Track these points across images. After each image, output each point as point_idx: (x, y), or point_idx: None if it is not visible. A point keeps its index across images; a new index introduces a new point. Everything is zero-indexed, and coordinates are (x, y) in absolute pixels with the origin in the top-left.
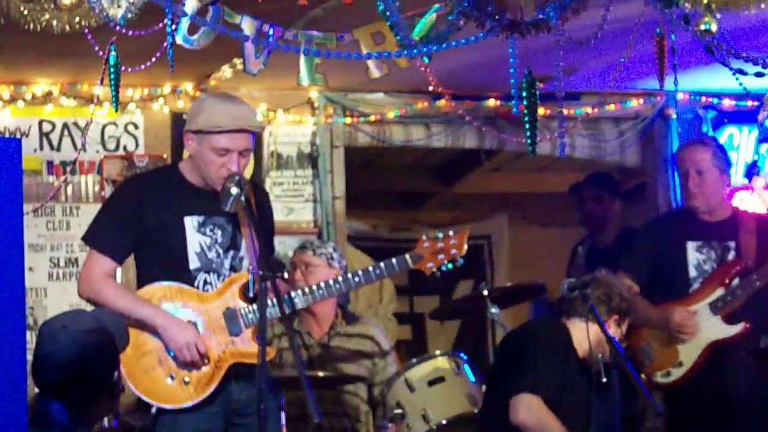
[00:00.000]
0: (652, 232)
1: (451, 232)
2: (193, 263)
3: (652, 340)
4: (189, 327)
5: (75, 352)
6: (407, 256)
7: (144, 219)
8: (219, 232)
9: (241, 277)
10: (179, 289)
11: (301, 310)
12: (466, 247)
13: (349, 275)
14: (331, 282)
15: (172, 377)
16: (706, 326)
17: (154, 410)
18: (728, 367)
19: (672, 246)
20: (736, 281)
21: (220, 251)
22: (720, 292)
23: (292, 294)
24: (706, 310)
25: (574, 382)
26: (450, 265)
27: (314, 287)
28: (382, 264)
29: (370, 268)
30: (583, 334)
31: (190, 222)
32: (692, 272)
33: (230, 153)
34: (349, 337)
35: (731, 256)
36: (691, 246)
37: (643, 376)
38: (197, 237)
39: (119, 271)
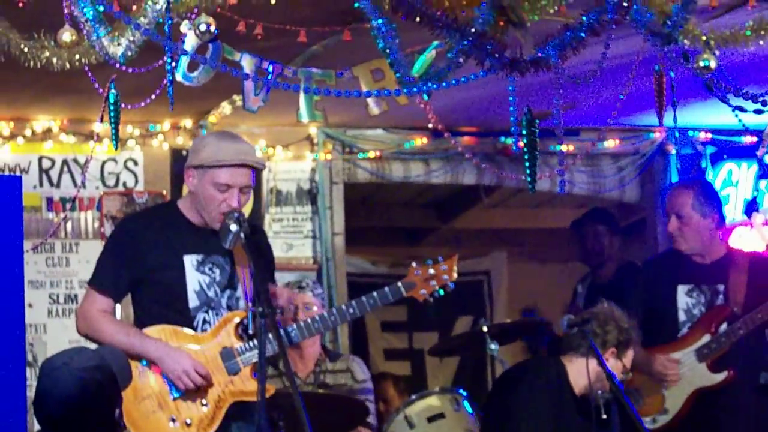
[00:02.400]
0: (646, 273)
1: (440, 258)
2: (193, 302)
3: (641, 385)
4: (184, 354)
5: (76, 388)
6: (399, 285)
7: (143, 258)
8: (218, 271)
9: (235, 315)
10: (174, 330)
11: (288, 351)
12: (456, 272)
13: (343, 307)
14: (326, 315)
15: (173, 420)
16: (692, 373)
17: None
18: (727, 406)
19: (663, 289)
20: (723, 327)
21: (218, 290)
22: (706, 338)
23: (288, 329)
24: (692, 356)
25: (571, 421)
26: (441, 292)
27: (309, 321)
28: (375, 293)
29: (364, 299)
30: (581, 370)
31: (190, 261)
32: (681, 317)
33: (231, 189)
34: (332, 374)
35: (720, 300)
36: (681, 290)
37: None
38: (196, 275)
39: (118, 307)
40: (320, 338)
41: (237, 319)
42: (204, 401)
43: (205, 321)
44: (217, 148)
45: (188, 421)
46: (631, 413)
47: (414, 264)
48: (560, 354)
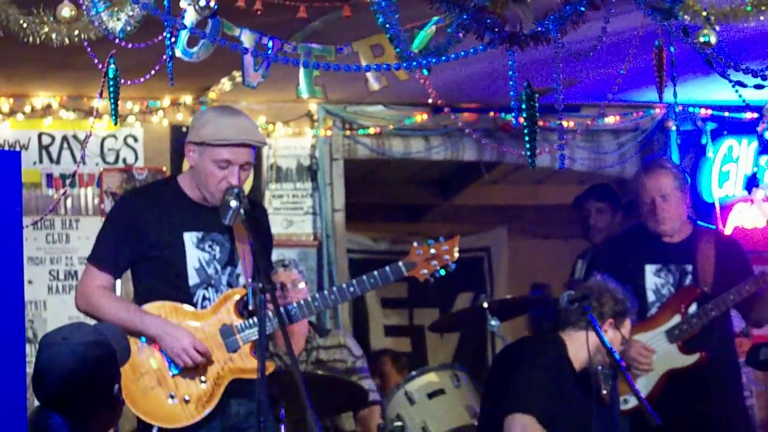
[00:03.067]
0: (612, 254)
1: (442, 239)
2: (192, 279)
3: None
4: (183, 332)
5: (75, 363)
6: (400, 264)
7: (142, 234)
8: (217, 249)
9: (235, 293)
10: (174, 307)
11: (277, 331)
12: (457, 252)
13: (344, 286)
14: (326, 294)
15: (172, 396)
16: (663, 354)
17: (155, 430)
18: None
19: (631, 268)
20: (693, 308)
21: (218, 267)
22: (677, 319)
23: (289, 307)
24: (662, 337)
25: (571, 397)
26: (443, 272)
27: (310, 300)
28: (375, 273)
29: (365, 278)
30: (580, 345)
31: (189, 238)
32: (650, 296)
33: (231, 166)
34: (325, 349)
35: (689, 280)
36: (649, 269)
37: None
38: (196, 253)
39: (118, 283)
40: None
41: (237, 296)
42: (203, 378)
43: (204, 298)
44: (218, 125)
45: (187, 398)
46: (631, 387)
47: (415, 243)
48: (559, 330)
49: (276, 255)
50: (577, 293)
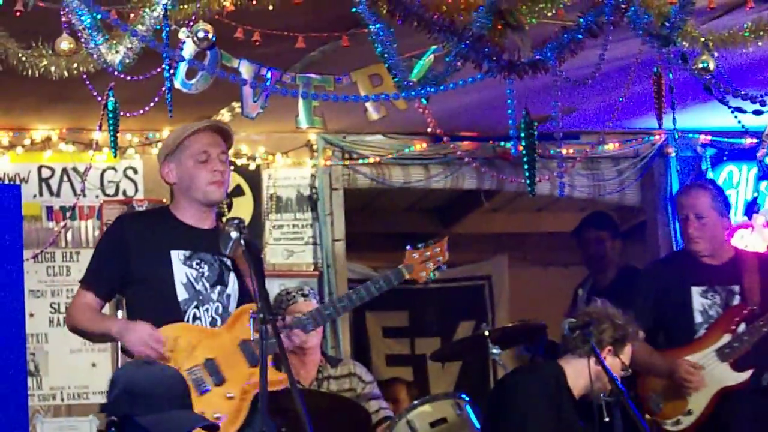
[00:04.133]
0: (656, 276)
1: (431, 241)
2: (182, 294)
3: (661, 389)
4: (140, 324)
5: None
6: (402, 268)
7: (130, 255)
8: (206, 267)
9: (247, 308)
10: (190, 327)
11: (290, 357)
12: (447, 253)
13: (351, 293)
14: (335, 300)
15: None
16: (715, 374)
17: None
18: (735, 408)
19: (676, 291)
20: (742, 327)
21: (207, 285)
22: (726, 338)
23: (302, 317)
24: (713, 356)
25: (570, 424)
26: (437, 273)
27: (321, 308)
28: (380, 279)
29: (370, 284)
30: (579, 372)
31: (176, 255)
32: (698, 318)
33: (209, 156)
34: (336, 379)
35: (736, 300)
36: (695, 291)
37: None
38: (183, 269)
39: (107, 307)
40: (321, 345)
41: (250, 311)
42: (230, 394)
43: (195, 317)
44: (179, 130)
45: (217, 415)
46: (633, 415)
47: (408, 247)
48: (558, 357)
49: (277, 285)
50: (578, 320)
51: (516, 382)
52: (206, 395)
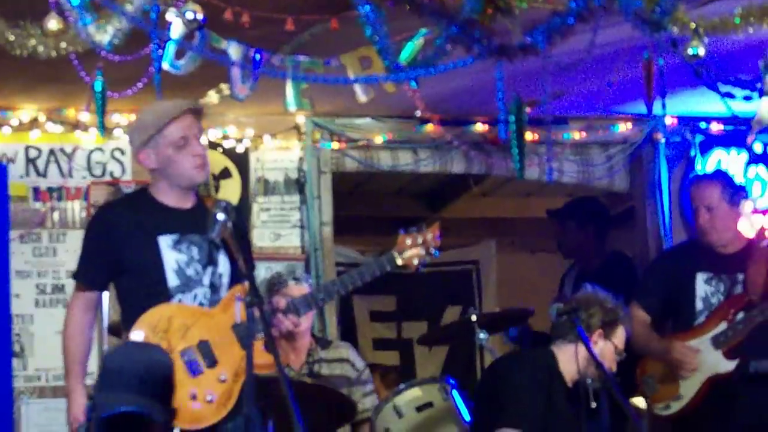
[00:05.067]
0: (666, 263)
1: (424, 226)
2: (172, 281)
3: (656, 372)
4: (77, 405)
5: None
6: (394, 253)
7: (118, 245)
8: (195, 249)
9: (240, 289)
10: (184, 307)
11: (280, 342)
12: (439, 239)
13: (344, 278)
14: (329, 284)
15: (194, 397)
16: (708, 360)
17: None
18: (726, 395)
19: (683, 277)
20: (740, 315)
21: (199, 268)
22: (723, 326)
23: (295, 300)
24: (708, 344)
25: (562, 411)
26: (428, 258)
27: (314, 292)
28: (373, 263)
29: (363, 269)
30: (570, 358)
31: (165, 240)
32: (699, 305)
33: (188, 140)
34: (327, 363)
35: (739, 289)
36: (700, 278)
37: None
38: (173, 255)
39: (105, 296)
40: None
41: (236, 295)
42: (222, 376)
43: (181, 303)
44: (154, 114)
45: (209, 398)
46: (620, 401)
47: (401, 232)
48: (550, 343)
49: (263, 269)
50: (566, 306)
51: (507, 367)
52: (199, 377)
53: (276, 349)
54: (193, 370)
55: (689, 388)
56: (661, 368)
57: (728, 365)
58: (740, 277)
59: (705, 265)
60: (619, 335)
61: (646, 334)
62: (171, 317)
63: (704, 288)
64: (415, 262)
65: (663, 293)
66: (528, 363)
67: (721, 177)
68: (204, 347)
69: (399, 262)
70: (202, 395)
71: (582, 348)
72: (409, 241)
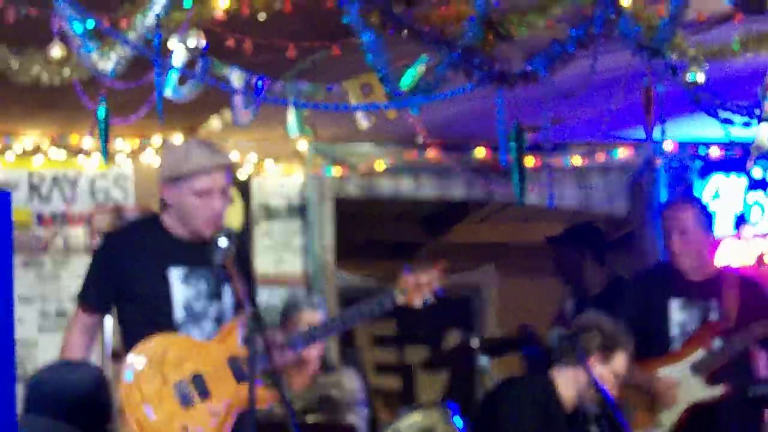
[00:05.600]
0: (639, 287)
1: (430, 265)
2: (178, 315)
3: (632, 399)
4: None
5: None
6: (396, 292)
7: (125, 273)
8: (203, 283)
9: (239, 323)
10: (180, 339)
11: (289, 371)
12: (444, 278)
13: (345, 315)
14: (328, 324)
15: (185, 429)
16: (688, 387)
17: None
18: (708, 420)
19: (656, 302)
20: (717, 343)
21: (205, 302)
22: (701, 353)
23: (294, 337)
24: (687, 370)
25: None
26: (432, 297)
27: (313, 330)
28: (373, 301)
29: (363, 306)
30: (569, 382)
31: (174, 274)
32: (674, 330)
33: (210, 194)
34: (330, 387)
35: (713, 316)
36: (674, 304)
37: None
38: (182, 289)
39: (109, 321)
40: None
41: (239, 320)
42: (215, 409)
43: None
44: (189, 158)
45: (200, 429)
46: (619, 426)
47: (405, 271)
48: (549, 368)
49: (266, 294)
50: (568, 330)
51: (505, 395)
52: (191, 409)
53: (280, 381)
54: (186, 403)
55: (670, 414)
56: (639, 396)
57: (710, 391)
58: (713, 304)
59: (678, 291)
60: (619, 360)
61: None
62: (166, 348)
63: (679, 314)
64: (417, 301)
65: (637, 317)
66: (524, 392)
67: (695, 201)
68: (197, 380)
69: (400, 300)
70: (193, 427)
71: (581, 372)
72: (412, 280)
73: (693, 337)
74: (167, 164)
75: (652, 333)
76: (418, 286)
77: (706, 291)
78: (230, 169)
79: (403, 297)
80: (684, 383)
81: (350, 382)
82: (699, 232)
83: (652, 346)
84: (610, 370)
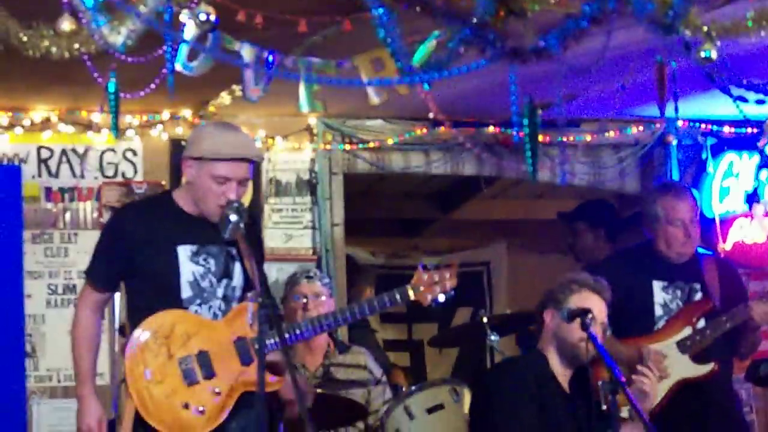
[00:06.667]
0: (616, 267)
1: (443, 266)
2: (186, 293)
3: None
4: (97, 410)
5: None
6: (408, 288)
7: (135, 248)
8: (212, 261)
9: (249, 306)
10: (189, 315)
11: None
12: (456, 279)
13: (354, 307)
14: (338, 314)
15: (186, 406)
16: (675, 364)
17: None
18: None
19: (638, 283)
20: (701, 322)
21: (213, 280)
22: (687, 331)
23: (301, 325)
24: (673, 348)
25: (559, 414)
26: (443, 297)
27: (322, 319)
28: (385, 296)
29: (375, 301)
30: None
31: (184, 251)
32: (658, 311)
33: (229, 181)
34: (344, 368)
35: (698, 296)
36: (657, 285)
37: None
38: (190, 266)
39: (117, 297)
40: None
41: (251, 309)
42: (217, 390)
43: (196, 314)
44: (216, 141)
45: (201, 409)
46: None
47: (420, 268)
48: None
49: (275, 270)
50: (576, 309)
51: (495, 381)
52: (194, 387)
53: (289, 357)
54: (189, 380)
55: (658, 391)
56: (626, 372)
57: (698, 369)
58: (697, 286)
59: (660, 273)
60: (597, 305)
61: (610, 339)
62: (174, 324)
63: (662, 295)
64: (429, 298)
65: (616, 297)
66: (515, 374)
67: (690, 189)
68: (203, 358)
69: (412, 297)
70: (194, 405)
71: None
72: (425, 278)
73: (677, 315)
74: (195, 140)
75: (635, 313)
76: (432, 285)
77: (688, 273)
78: (255, 164)
79: (416, 294)
80: (671, 360)
81: (374, 368)
82: (697, 218)
83: (635, 325)
84: (596, 323)
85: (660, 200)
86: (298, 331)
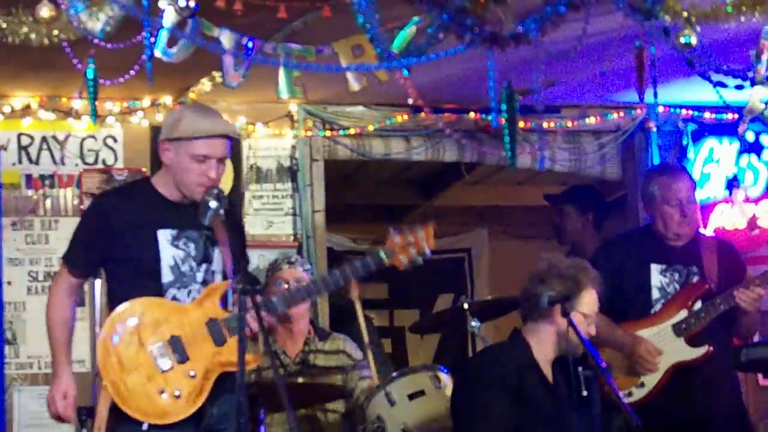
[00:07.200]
0: (614, 251)
1: (418, 226)
2: (166, 277)
3: (613, 361)
4: (64, 385)
5: None
6: (381, 253)
7: (115, 235)
8: (192, 246)
9: (220, 287)
10: (158, 302)
11: (277, 327)
12: (433, 240)
13: (327, 276)
14: (309, 283)
15: (162, 392)
16: (670, 348)
17: (145, 427)
18: (689, 380)
19: (635, 266)
20: (698, 304)
21: (193, 265)
22: (683, 314)
23: (272, 298)
24: (669, 331)
25: (540, 404)
26: (420, 259)
27: (292, 289)
28: (357, 263)
29: (347, 268)
30: (542, 340)
31: (164, 235)
32: (655, 294)
33: (209, 160)
34: (324, 354)
35: (695, 279)
36: (654, 268)
37: None
38: (171, 250)
39: (98, 284)
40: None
41: (222, 290)
42: (192, 372)
43: (174, 298)
44: (193, 120)
45: (177, 393)
46: (611, 390)
47: (392, 230)
48: (522, 328)
49: (256, 256)
50: (527, 285)
51: (475, 369)
52: (168, 372)
53: (267, 338)
54: (163, 366)
55: (652, 375)
56: (620, 357)
57: (693, 352)
58: (694, 269)
59: (658, 256)
60: (588, 301)
61: (608, 325)
62: (143, 312)
63: (659, 278)
64: (405, 262)
65: (613, 281)
66: (493, 364)
67: (687, 169)
68: (175, 342)
69: (386, 262)
70: (170, 391)
71: (549, 325)
72: (398, 240)
73: (674, 298)
74: (171, 123)
75: (632, 296)
76: (405, 246)
77: (686, 256)
78: (232, 141)
79: (390, 258)
80: (666, 344)
81: (354, 351)
82: (695, 200)
83: (632, 308)
84: (579, 315)
85: (656, 180)
86: (275, 301)
